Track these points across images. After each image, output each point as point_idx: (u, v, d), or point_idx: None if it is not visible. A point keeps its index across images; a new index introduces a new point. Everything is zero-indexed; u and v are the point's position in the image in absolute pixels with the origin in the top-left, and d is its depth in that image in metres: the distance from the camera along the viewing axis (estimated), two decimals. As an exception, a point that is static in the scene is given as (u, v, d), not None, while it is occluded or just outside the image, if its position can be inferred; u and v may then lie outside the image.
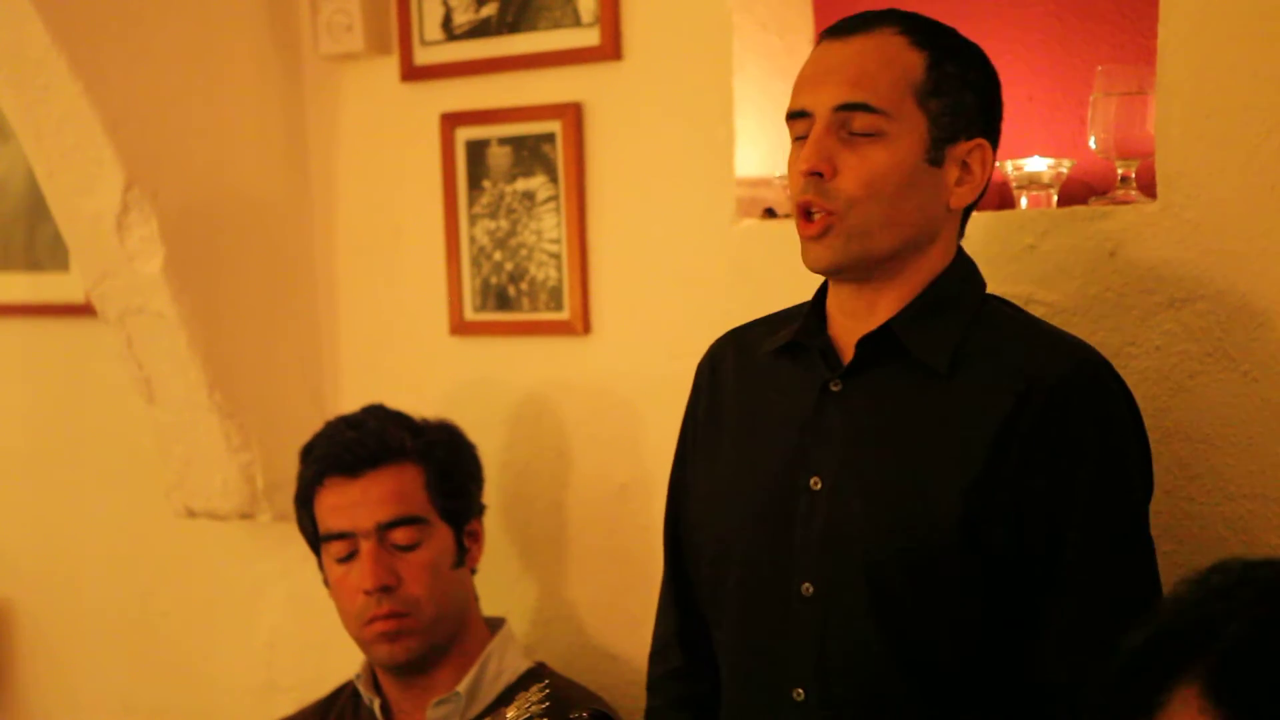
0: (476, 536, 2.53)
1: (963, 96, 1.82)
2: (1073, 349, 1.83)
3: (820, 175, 1.79)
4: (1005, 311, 1.88)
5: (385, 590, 2.39)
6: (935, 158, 1.81)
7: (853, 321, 1.86)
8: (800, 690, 1.82)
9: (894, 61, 1.80)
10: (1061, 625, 1.75)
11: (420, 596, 2.40)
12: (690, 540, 1.99)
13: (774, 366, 1.91)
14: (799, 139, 1.83)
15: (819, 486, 1.82)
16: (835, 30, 1.85)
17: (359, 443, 2.43)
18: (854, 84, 1.79)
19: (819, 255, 1.81)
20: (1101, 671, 1.19)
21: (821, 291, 1.91)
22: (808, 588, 1.81)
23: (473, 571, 2.52)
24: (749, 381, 1.94)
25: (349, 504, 2.42)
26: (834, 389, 1.84)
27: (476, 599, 2.52)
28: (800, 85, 1.85)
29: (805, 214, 1.82)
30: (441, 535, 2.45)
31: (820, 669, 1.81)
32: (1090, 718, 1.19)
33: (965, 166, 1.83)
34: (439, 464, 2.46)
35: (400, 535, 2.41)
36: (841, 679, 1.80)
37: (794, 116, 1.84)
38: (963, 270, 1.87)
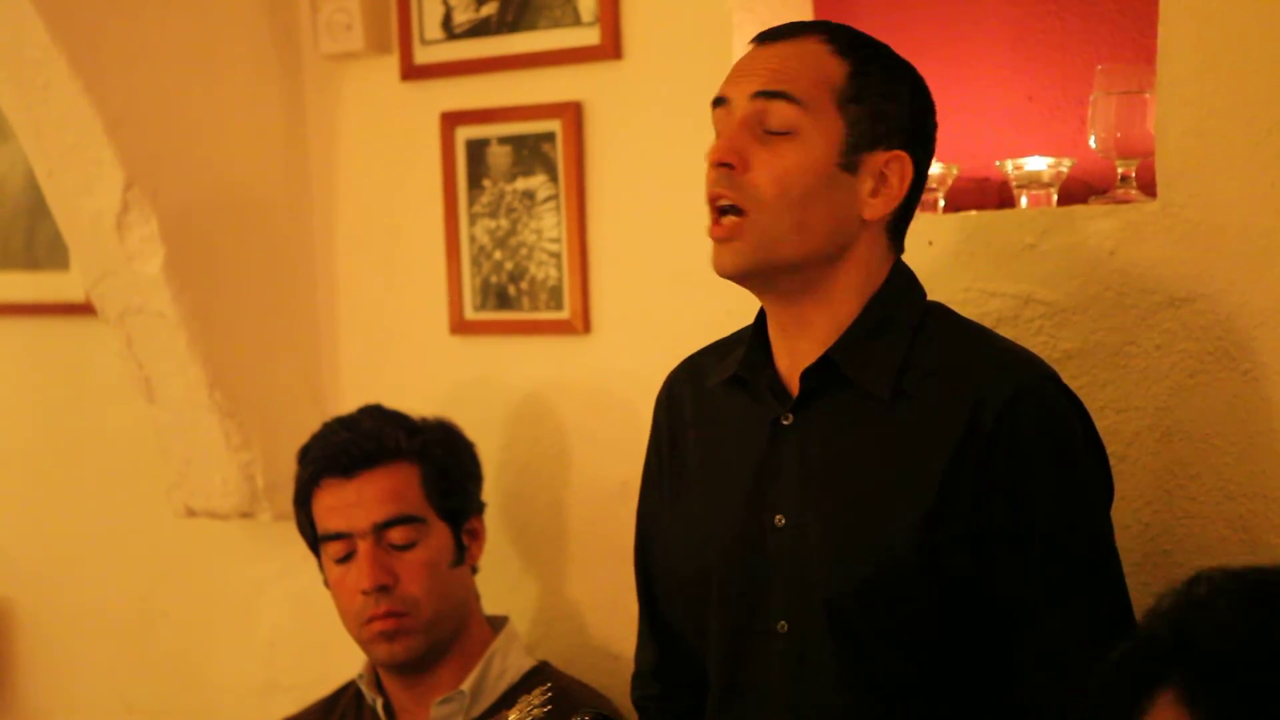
0: (476, 534, 2.52)
1: (885, 106, 1.79)
2: (1017, 365, 1.79)
3: (731, 166, 1.77)
4: (948, 323, 1.85)
5: (383, 590, 2.39)
6: (849, 163, 1.77)
7: (791, 343, 1.83)
8: None
9: (815, 64, 1.78)
10: (1030, 641, 1.74)
11: (418, 595, 2.40)
12: (665, 578, 1.97)
13: (727, 399, 1.89)
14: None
15: (782, 524, 1.80)
16: (761, 37, 1.84)
17: (353, 443, 2.43)
18: (774, 75, 1.78)
19: (724, 260, 1.79)
20: (1086, 682, 1.22)
21: (762, 317, 1.88)
22: (782, 625, 1.80)
23: (474, 570, 2.52)
24: (705, 416, 1.92)
25: (345, 505, 2.42)
26: (785, 423, 1.82)
27: (478, 597, 2.52)
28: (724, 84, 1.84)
29: (716, 212, 1.79)
30: (439, 534, 2.45)
31: (795, 707, 1.80)
32: None
33: (882, 178, 1.79)
34: (435, 462, 2.46)
35: (397, 535, 2.41)
36: (815, 716, 1.79)
37: (715, 105, 1.82)
38: (899, 285, 1.83)
